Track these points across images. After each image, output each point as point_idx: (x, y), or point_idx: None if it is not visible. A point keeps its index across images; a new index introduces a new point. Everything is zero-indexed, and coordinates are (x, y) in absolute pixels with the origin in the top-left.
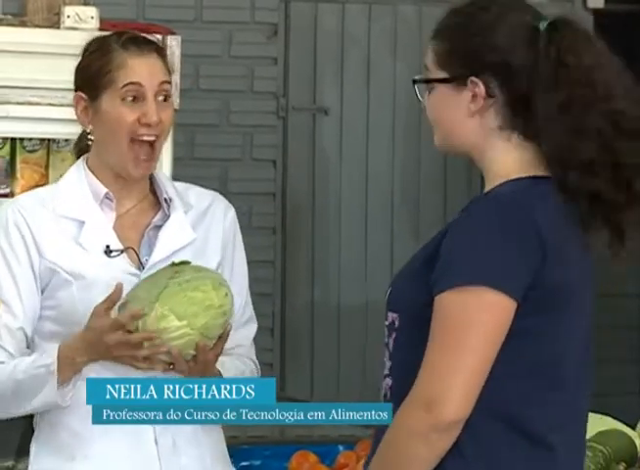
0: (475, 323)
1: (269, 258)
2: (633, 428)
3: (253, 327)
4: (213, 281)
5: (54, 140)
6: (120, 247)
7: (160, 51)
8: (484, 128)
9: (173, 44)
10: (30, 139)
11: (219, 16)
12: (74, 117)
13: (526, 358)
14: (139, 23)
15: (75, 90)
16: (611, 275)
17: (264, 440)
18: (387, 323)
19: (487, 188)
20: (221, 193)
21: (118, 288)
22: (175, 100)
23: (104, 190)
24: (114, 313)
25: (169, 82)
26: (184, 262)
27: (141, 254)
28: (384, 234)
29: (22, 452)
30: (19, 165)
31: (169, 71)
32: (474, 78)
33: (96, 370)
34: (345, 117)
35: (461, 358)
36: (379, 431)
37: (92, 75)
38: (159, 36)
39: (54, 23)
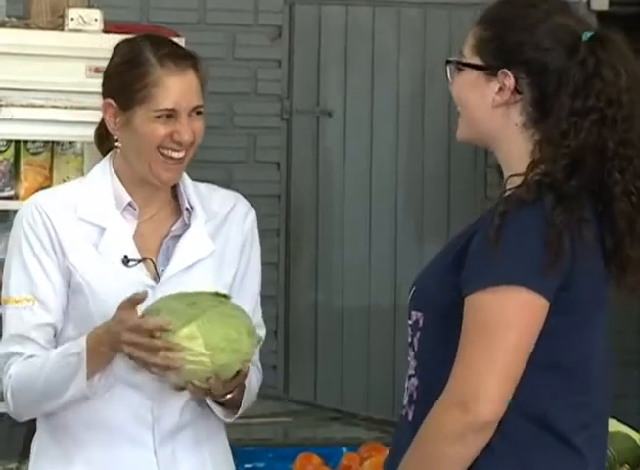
0: (511, 323)
1: (273, 260)
2: (637, 430)
3: (262, 333)
4: (249, 328)
5: (58, 142)
6: (138, 257)
7: (195, 65)
8: (507, 122)
9: None
10: (34, 141)
11: (223, 18)
12: (78, 120)
13: (554, 358)
14: (143, 26)
15: (103, 95)
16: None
17: (268, 442)
18: (410, 322)
19: (506, 180)
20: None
21: (144, 291)
22: None
23: (127, 198)
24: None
25: (202, 105)
26: (226, 296)
27: (158, 263)
28: (387, 236)
29: (26, 454)
30: (23, 168)
31: (203, 85)
32: (505, 70)
33: (121, 388)
34: (349, 120)
35: (497, 358)
36: (399, 431)
37: (125, 86)
38: None
39: (58, 25)
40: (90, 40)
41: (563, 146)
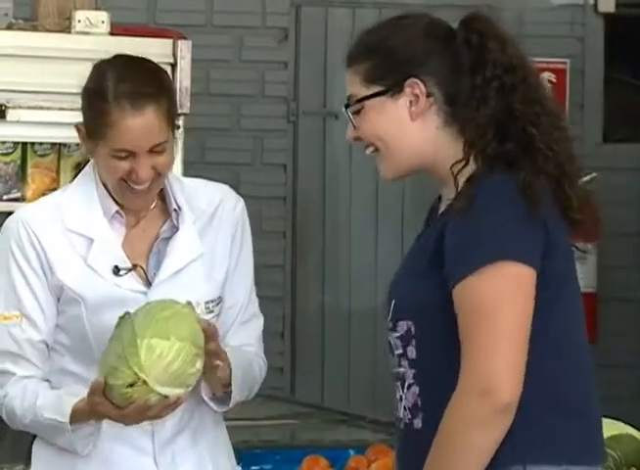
0: (507, 299)
1: (279, 261)
2: None
3: (258, 323)
4: (168, 301)
5: (65, 144)
6: (129, 265)
7: (158, 99)
8: (428, 131)
9: (184, 49)
10: (41, 143)
11: (230, 20)
12: None
13: (540, 331)
14: (150, 28)
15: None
16: (618, 280)
17: (275, 444)
18: (398, 334)
19: (457, 187)
20: None
21: (98, 381)
22: (186, 104)
23: (114, 208)
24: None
25: (165, 142)
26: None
27: (149, 267)
28: (394, 237)
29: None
30: (30, 170)
31: (169, 116)
32: (412, 79)
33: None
34: None
35: (503, 338)
36: (405, 441)
37: (88, 119)
38: (169, 41)
39: (65, 27)
40: (97, 43)
41: (480, 119)
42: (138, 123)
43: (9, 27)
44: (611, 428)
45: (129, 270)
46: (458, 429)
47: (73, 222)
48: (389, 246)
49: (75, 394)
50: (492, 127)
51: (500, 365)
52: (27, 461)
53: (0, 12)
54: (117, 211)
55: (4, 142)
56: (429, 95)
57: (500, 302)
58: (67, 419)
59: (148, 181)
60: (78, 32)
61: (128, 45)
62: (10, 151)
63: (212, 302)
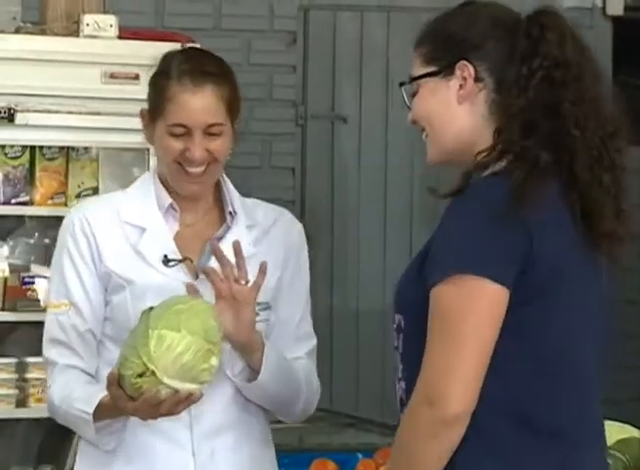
0: (466, 312)
1: None
2: None
3: (312, 342)
4: (186, 296)
5: (73, 148)
6: (179, 257)
7: (218, 81)
8: (474, 117)
9: None
10: (50, 147)
11: (238, 24)
12: (93, 125)
13: (525, 349)
14: (158, 32)
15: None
16: (623, 282)
17: (283, 447)
18: (394, 326)
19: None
20: None
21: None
22: None
23: (169, 200)
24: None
25: (221, 124)
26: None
27: (200, 264)
28: (402, 241)
29: (42, 460)
30: (38, 173)
31: (230, 101)
32: (463, 62)
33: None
34: (364, 125)
35: (458, 350)
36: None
37: (151, 99)
38: (177, 44)
39: (73, 31)
40: (105, 46)
41: (513, 108)
42: (196, 99)
43: (17, 31)
44: (618, 431)
45: (179, 262)
46: (407, 437)
47: (128, 214)
48: (398, 248)
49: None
50: (522, 119)
51: (452, 376)
52: (36, 465)
53: (8, 15)
54: (172, 205)
55: (12, 146)
56: (479, 80)
57: (461, 315)
58: (91, 410)
59: (202, 163)
60: (86, 36)
61: (136, 48)
62: (18, 154)
63: (259, 305)
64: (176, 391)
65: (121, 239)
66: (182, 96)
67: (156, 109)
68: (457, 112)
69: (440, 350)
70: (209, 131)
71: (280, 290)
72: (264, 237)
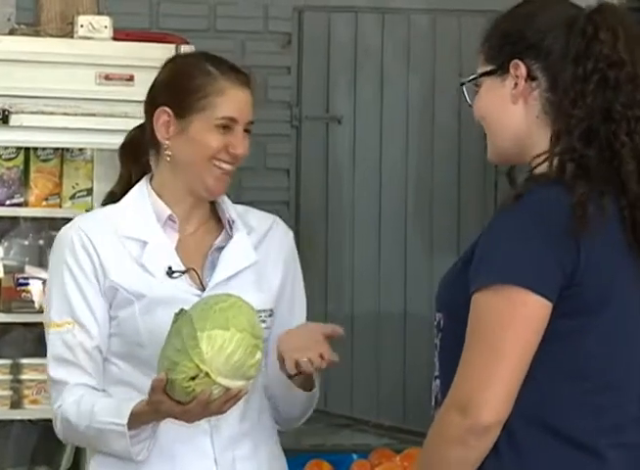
0: (506, 323)
1: None
2: None
3: None
4: (223, 294)
5: (68, 149)
6: (182, 268)
7: (251, 83)
8: (529, 116)
9: None
10: (44, 148)
11: (233, 25)
12: (88, 127)
13: (565, 361)
14: (153, 33)
15: (154, 103)
16: None
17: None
18: (435, 324)
19: (532, 165)
20: (234, 202)
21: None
22: None
23: (167, 212)
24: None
25: (253, 122)
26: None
27: (204, 274)
28: (397, 243)
29: (36, 461)
30: (32, 175)
31: (254, 103)
32: (515, 61)
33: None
34: (359, 127)
35: (495, 361)
36: None
37: (184, 94)
38: (172, 46)
39: (67, 32)
40: (100, 47)
41: (574, 115)
42: (243, 94)
43: (12, 33)
44: None
45: (183, 273)
46: (436, 443)
47: (127, 229)
48: (393, 252)
49: (133, 400)
50: (583, 126)
51: (488, 386)
52: (31, 465)
53: (3, 17)
54: (170, 217)
55: (7, 147)
56: (533, 79)
57: (501, 325)
58: (125, 421)
59: (241, 157)
60: (81, 37)
61: (131, 50)
62: (13, 156)
63: (264, 312)
64: (227, 389)
65: (123, 253)
66: (232, 90)
67: (193, 104)
68: (512, 111)
69: (477, 358)
70: (247, 128)
71: (282, 296)
72: (261, 243)
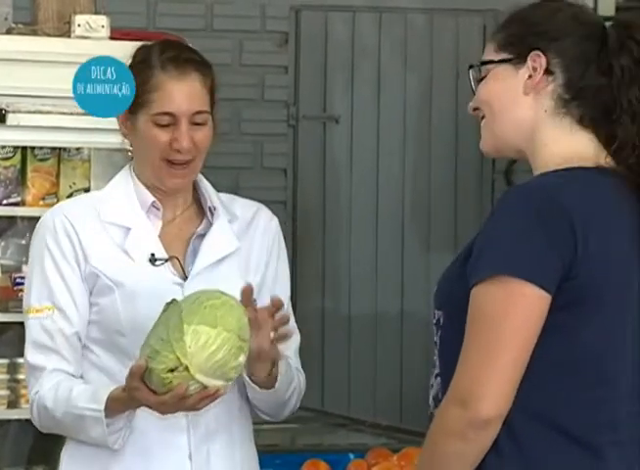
0: (505, 315)
1: None
2: None
3: (296, 338)
4: (216, 291)
5: (65, 149)
6: (165, 256)
7: (202, 69)
8: (537, 110)
9: None
10: (41, 148)
11: (230, 24)
12: (85, 126)
13: (563, 355)
14: (150, 32)
15: None
16: None
17: (275, 448)
18: (434, 321)
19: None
20: None
21: (141, 364)
22: None
23: (151, 198)
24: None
25: (207, 111)
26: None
27: (186, 263)
28: (394, 242)
29: (33, 461)
30: (29, 174)
31: (211, 91)
32: (536, 51)
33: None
34: (356, 126)
35: (494, 353)
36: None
37: (133, 90)
38: None
39: (64, 31)
40: (97, 47)
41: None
42: (182, 87)
43: (9, 32)
44: None
45: (166, 261)
46: (436, 437)
47: (110, 215)
48: (390, 251)
49: (109, 386)
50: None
51: (487, 379)
52: (27, 466)
53: (0, 16)
54: (154, 204)
55: (4, 146)
56: (550, 73)
57: (499, 317)
58: (102, 406)
59: (189, 153)
60: (78, 37)
61: (128, 49)
62: (10, 155)
63: None
64: (205, 387)
65: (106, 239)
66: (168, 84)
67: (137, 100)
68: (521, 101)
69: (477, 351)
70: (195, 120)
71: (264, 285)
72: (245, 232)
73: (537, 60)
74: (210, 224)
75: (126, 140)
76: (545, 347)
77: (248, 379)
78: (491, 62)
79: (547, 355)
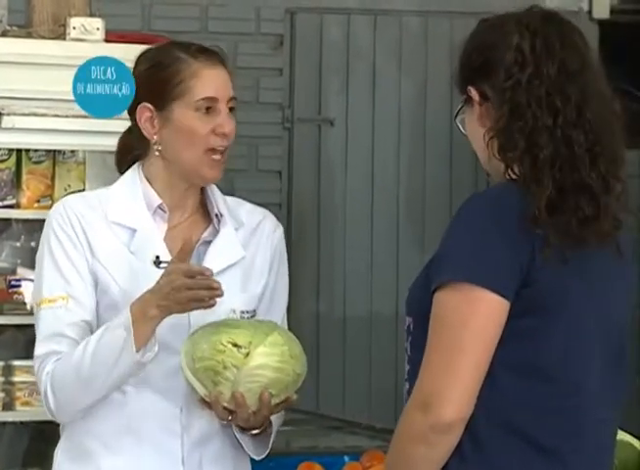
0: (464, 322)
1: None
2: None
3: (282, 304)
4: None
5: (60, 151)
6: (169, 258)
7: (225, 62)
8: (481, 133)
9: None
10: (36, 150)
11: (224, 27)
12: (80, 129)
13: (525, 361)
14: (145, 35)
15: (134, 103)
16: None
17: (270, 451)
18: (405, 328)
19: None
20: None
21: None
22: None
23: (158, 201)
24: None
25: (235, 98)
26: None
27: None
28: (389, 244)
29: (28, 464)
30: (24, 176)
31: (232, 80)
32: (468, 87)
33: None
34: (351, 128)
35: (455, 358)
36: None
37: (160, 86)
38: None
39: (59, 34)
40: (92, 49)
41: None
42: (219, 72)
43: (3, 34)
44: None
45: (169, 263)
46: (400, 441)
47: (116, 215)
48: (385, 253)
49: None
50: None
51: (448, 383)
52: (23, 467)
53: None
54: (160, 206)
55: None
56: (486, 98)
57: (457, 322)
58: (129, 321)
59: (229, 138)
60: (73, 39)
61: (123, 52)
62: (5, 158)
63: (247, 313)
64: (232, 389)
65: (112, 238)
66: (204, 70)
67: (170, 93)
68: (480, 134)
69: (437, 356)
70: (230, 105)
71: (263, 294)
72: (250, 239)
73: (471, 93)
74: (217, 231)
75: (154, 138)
76: (508, 353)
77: (244, 437)
78: (458, 111)
79: (511, 362)
